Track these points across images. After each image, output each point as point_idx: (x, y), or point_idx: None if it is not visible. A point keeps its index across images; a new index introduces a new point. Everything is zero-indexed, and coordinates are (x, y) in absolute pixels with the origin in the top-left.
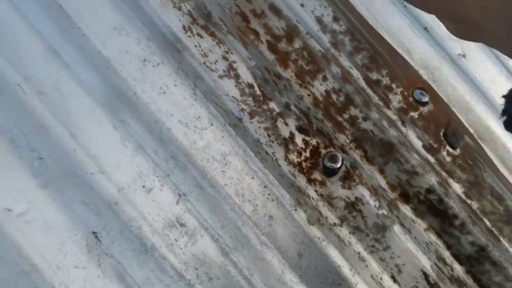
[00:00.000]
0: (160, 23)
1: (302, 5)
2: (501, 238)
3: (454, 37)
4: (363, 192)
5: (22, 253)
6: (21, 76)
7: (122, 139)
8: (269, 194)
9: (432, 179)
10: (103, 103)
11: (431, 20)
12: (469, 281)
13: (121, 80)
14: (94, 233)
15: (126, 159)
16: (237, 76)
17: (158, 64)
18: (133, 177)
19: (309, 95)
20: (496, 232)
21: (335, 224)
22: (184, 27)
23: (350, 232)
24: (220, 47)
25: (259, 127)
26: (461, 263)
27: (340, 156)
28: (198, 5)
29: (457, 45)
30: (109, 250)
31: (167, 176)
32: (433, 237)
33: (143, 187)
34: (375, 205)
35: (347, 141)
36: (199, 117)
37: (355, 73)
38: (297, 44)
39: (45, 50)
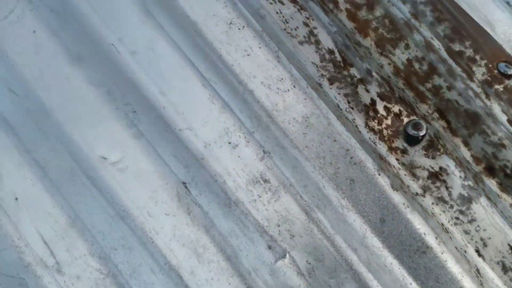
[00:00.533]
0: None
1: None
2: None
3: None
4: (448, 162)
5: (116, 199)
6: (115, 36)
7: (210, 96)
8: (351, 158)
9: None
10: (192, 62)
11: None
12: None
13: (207, 42)
14: (183, 183)
15: (213, 116)
16: (317, 42)
17: (244, 27)
18: (220, 133)
19: (389, 63)
20: None
21: (417, 193)
22: None
23: (433, 203)
24: (301, 13)
25: (339, 93)
26: None
27: (424, 124)
28: None
29: None
30: (197, 200)
31: (251, 134)
32: None
33: (229, 143)
34: (460, 176)
35: (430, 111)
36: (282, 79)
37: (436, 43)
38: (378, 12)
39: (139, 12)
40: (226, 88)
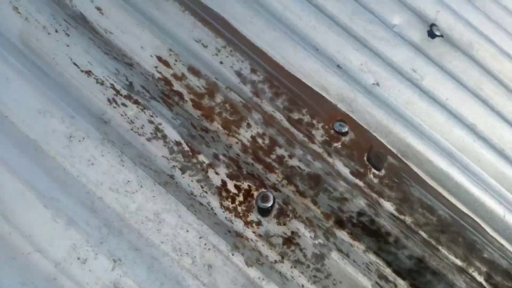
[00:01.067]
0: (84, 99)
1: (221, 63)
2: (439, 247)
3: (366, 70)
4: (298, 225)
5: None
6: None
7: (52, 215)
8: (205, 244)
9: (361, 202)
10: (32, 184)
11: (343, 58)
12: None
13: (50, 158)
14: None
15: (58, 234)
16: (164, 137)
17: (84, 138)
18: (68, 250)
19: (237, 142)
20: (433, 242)
21: (276, 261)
22: (109, 100)
23: (291, 267)
24: (145, 112)
25: (192, 180)
26: (403, 278)
27: (271, 194)
28: (119, 78)
29: (370, 76)
30: None
31: (100, 244)
32: (372, 257)
33: (78, 258)
34: (310, 236)
35: (279, 179)
36: (129, 181)
37: (278, 115)
38: (218, 98)
39: None
40: (71, 202)
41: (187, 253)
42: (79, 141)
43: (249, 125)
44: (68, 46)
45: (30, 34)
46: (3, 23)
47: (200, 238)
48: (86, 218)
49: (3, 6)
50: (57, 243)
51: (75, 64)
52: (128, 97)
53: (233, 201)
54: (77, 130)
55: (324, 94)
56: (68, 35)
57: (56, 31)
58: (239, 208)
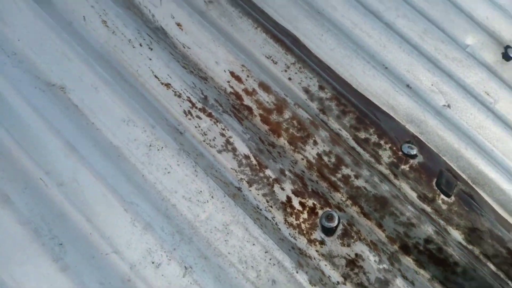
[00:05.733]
0: (163, 110)
1: (290, 79)
2: (509, 282)
3: (437, 90)
4: (362, 248)
5: None
6: (43, 171)
7: (131, 219)
8: (270, 259)
9: (429, 229)
10: (115, 188)
11: (413, 77)
12: None
13: (130, 165)
14: None
15: (136, 238)
16: (234, 150)
17: (162, 147)
18: (143, 254)
19: (302, 159)
20: (502, 276)
21: (338, 282)
22: (184, 111)
23: None
24: (217, 125)
25: (258, 194)
26: None
27: (336, 214)
28: (195, 91)
29: (441, 97)
30: None
31: (173, 250)
32: (438, 287)
33: (152, 263)
34: (375, 260)
35: (343, 199)
36: (201, 191)
37: (344, 134)
38: (286, 114)
39: (63, 146)
40: (149, 208)
41: (252, 266)
42: (158, 150)
43: (315, 143)
44: (150, 59)
45: (116, 46)
46: (92, 35)
47: (265, 252)
48: (161, 224)
49: (92, 19)
50: (134, 246)
51: (156, 76)
52: (202, 110)
53: (297, 218)
54: (157, 140)
55: (392, 114)
56: (151, 49)
57: (141, 45)
58: (303, 226)
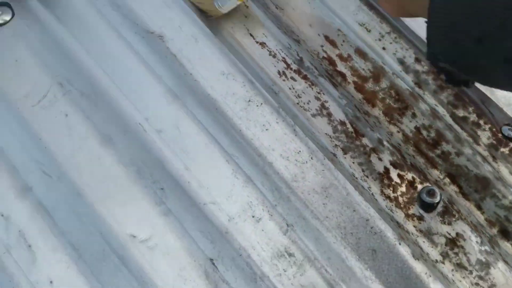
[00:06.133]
0: (258, 69)
1: (383, 49)
2: None
3: None
4: (464, 227)
5: (146, 278)
6: (142, 116)
7: (233, 171)
8: (371, 227)
9: None
10: (215, 139)
11: None
12: None
13: (228, 118)
14: (211, 260)
15: (236, 190)
16: (329, 115)
17: (262, 104)
18: (243, 207)
19: (398, 131)
20: None
21: (437, 260)
22: (279, 72)
23: (453, 269)
24: (312, 88)
25: (353, 162)
26: None
27: (438, 190)
28: (291, 52)
29: None
30: (224, 277)
31: (274, 207)
32: None
33: (253, 216)
34: (477, 241)
35: (441, 176)
36: (300, 151)
37: (441, 110)
38: (384, 83)
39: (165, 93)
40: (247, 162)
41: (351, 233)
42: (257, 106)
43: (414, 115)
44: (246, 17)
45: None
46: None
47: (366, 220)
48: (261, 179)
49: None
50: (234, 198)
51: (251, 35)
52: (297, 71)
53: (394, 191)
54: (256, 95)
55: (489, 95)
56: (247, 7)
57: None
58: (400, 199)
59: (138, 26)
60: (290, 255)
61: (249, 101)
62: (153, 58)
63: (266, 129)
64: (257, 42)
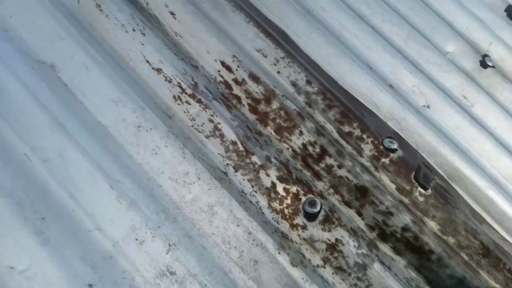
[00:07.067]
0: (153, 94)
1: (278, 72)
2: (480, 271)
3: (418, 92)
4: (343, 233)
5: None
6: (28, 146)
7: (117, 196)
8: (253, 240)
9: (406, 218)
10: (100, 166)
11: (396, 78)
12: None
13: (118, 144)
14: (89, 285)
15: (120, 215)
16: (222, 136)
17: (151, 128)
18: (127, 230)
19: (288, 148)
20: (474, 265)
21: (318, 265)
22: (174, 96)
23: (333, 273)
24: (206, 111)
25: (243, 179)
26: None
27: (318, 201)
28: (186, 77)
29: (421, 98)
30: None
31: (158, 228)
32: (413, 273)
33: (136, 239)
34: (354, 245)
35: (325, 187)
36: (187, 173)
37: (328, 127)
38: (274, 105)
39: (50, 122)
40: (135, 187)
41: (235, 247)
42: (146, 131)
43: (301, 133)
44: (143, 44)
45: (109, 30)
46: (86, 17)
47: (249, 234)
48: (147, 203)
49: (86, 2)
50: (117, 223)
51: (147, 61)
52: (192, 95)
53: (281, 203)
54: (146, 121)
55: (375, 111)
56: (144, 35)
57: (134, 30)
58: (286, 211)
59: (30, 56)
60: (172, 273)
61: (139, 126)
62: (41, 88)
63: (156, 153)
64: (153, 69)
